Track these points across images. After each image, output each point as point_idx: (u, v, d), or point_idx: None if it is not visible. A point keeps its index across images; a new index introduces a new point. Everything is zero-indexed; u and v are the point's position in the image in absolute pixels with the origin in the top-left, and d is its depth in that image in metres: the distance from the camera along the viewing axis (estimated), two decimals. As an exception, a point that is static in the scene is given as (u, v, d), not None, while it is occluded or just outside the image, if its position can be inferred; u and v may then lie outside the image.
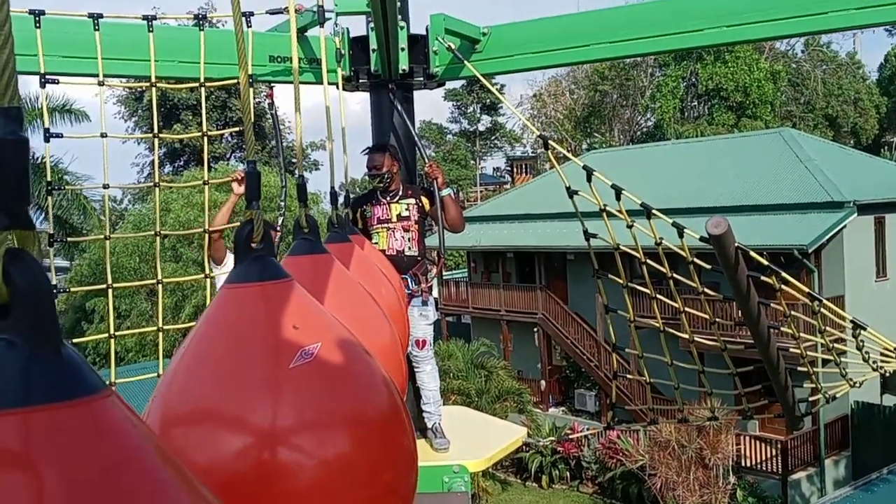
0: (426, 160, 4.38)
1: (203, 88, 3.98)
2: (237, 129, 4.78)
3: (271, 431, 1.27)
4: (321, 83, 4.08)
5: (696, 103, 49.08)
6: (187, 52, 3.99)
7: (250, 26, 4.06)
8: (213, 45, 3.93)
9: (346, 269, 1.92)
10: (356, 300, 1.89)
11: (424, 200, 4.36)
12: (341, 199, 4.40)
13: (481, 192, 62.92)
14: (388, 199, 4.36)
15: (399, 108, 4.33)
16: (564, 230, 25.10)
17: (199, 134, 4.14)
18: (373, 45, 4.16)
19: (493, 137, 66.57)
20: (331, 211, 2.46)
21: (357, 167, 4.33)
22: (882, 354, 3.59)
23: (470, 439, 4.37)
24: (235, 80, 3.91)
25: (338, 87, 3.89)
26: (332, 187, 2.79)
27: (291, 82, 4.22)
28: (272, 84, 4.40)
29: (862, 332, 3.08)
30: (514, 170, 64.19)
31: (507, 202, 33.30)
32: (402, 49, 4.18)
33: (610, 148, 44.23)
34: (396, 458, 1.42)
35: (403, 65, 4.20)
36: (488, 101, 60.24)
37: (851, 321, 3.09)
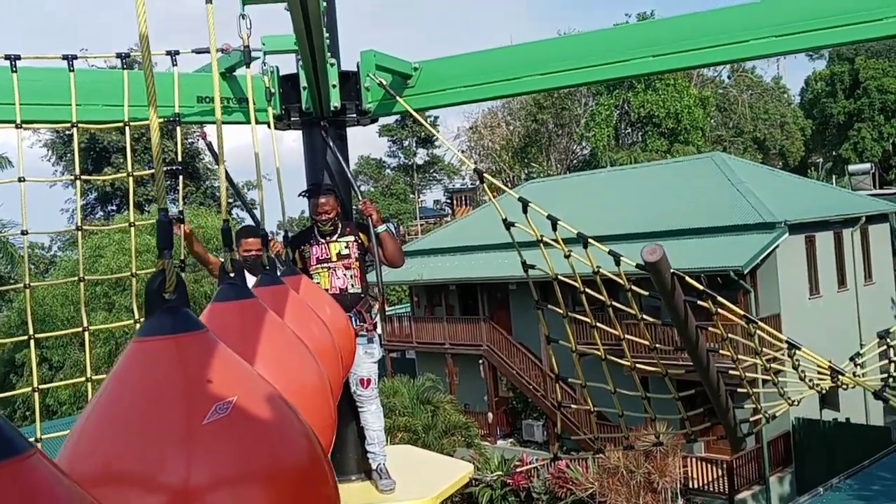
0: (360, 197, 4.34)
1: (129, 129, 3.88)
2: (167, 168, 4.67)
3: (183, 491, 1.20)
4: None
5: (629, 130, 50.20)
6: (111, 93, 3.89)
7: (176, 65, 3.98)
8: (137, 86, 3.84)
9: (273, 314, 1.86)
10: (283, 343, 1.83)
11: (362, 236, 4.31)
12: (279, 239, 4.33)
13: (422, 225, 63.06)
14: (327, 238, 4.30)
15: (332, 145, 4.28)
16: (506, 261, 25.23)
17: (125, 175, 4.02)
18: (303, 82, 4.12)
19: (431, 170, 66.96)
20: (252, 252, 2.40)
21: (293, 206, 4.27)
22: (818, 373, 3.64)
23: (416, 478, 4.29)
24: (162, 119, 3.83)
25: (269, 126, 3.84)
26: (263, 229, 2.72)
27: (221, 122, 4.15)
28: (203, 125, 4.33)
29: (797, 351, 3.11)
30: (454, 202, 64.60)
31: (448, 235, 33.39)
32: (334, 86, 4.15)
33: (548, 177, 44.81)
34: None
35: (335, 102, 4.16)
36: (423, 134, 60.65)
37: (787, 342, 3.13)
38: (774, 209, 23.01)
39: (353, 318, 4.25)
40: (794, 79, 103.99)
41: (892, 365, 3.70)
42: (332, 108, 4.14)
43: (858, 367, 3.73)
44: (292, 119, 4.35)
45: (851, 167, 49.71)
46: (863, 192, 37.38)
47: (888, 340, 3.72)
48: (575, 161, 56.34)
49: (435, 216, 69.58)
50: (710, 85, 54.48)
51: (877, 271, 27.69)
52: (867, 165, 49.52)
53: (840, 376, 3.26)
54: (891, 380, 3.60)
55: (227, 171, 4.41)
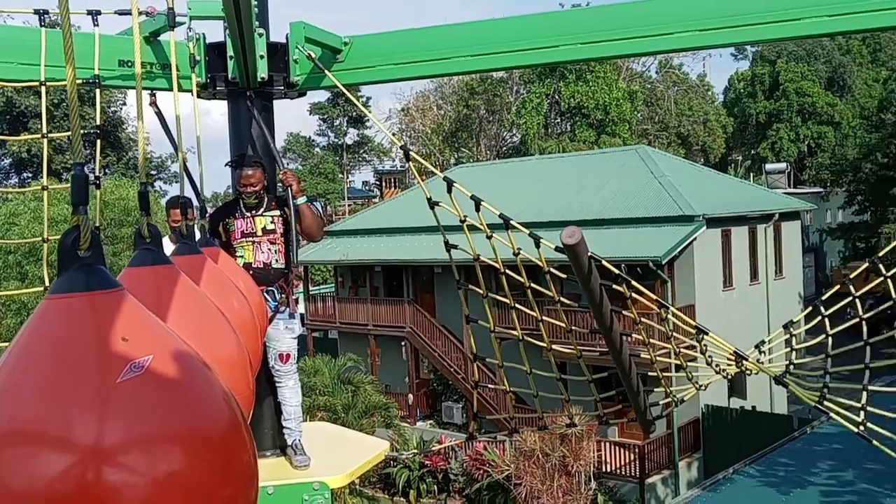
0: (282, 167, 4.29)
1: (45, 90, 3.75)
2: (85, 131, 4.53)
3: (96, 450, 1.18)
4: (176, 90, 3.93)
5: (559, 120, 50.78)
6: (27, 52, 3.75)
7: (97, 25, 3.85)
8: (56, 45, 3.71)
9: (190, 281, 1.83)
10: (200, 312, 1.80)
11: (287, 211, 4.27)
12: (197, 210, 4.25)
13: (349, 205, 62.64)
14: (252, 212, 4.23)
15: (257, 116, 4.22)
16: (432, 243, 25.32)
17: (39, 136, 3.89)
18: (230, 51, 4.04)
19: (361, 151, 66.54)
20: (181, 222, 2.36)
21: (216, 177, 4.19)
22: (725, 359, 3.77)
23: (331, 455, 4.29)
24: (81, 81, 3.71)
25: (192, 94, 3.76)
26: (185, 198, 2.67)
27: (142, 87, 4.04)
28: (153, 92, 4.20)
29: (705, 336, 3.23)
30: (383, 184, 64.34)
31: (376, 216, 33.27)
32: (261, 57, 4.08)
33: (477, 162, 45.00)
34: (235, 473, 1.35)
35: (262, 73, 4.09)
36: (355, 113, 60.20)
37: (695, 327, 3.24)
38: (694, 203, 23.66)
39: (275, 292, 4.22)
40: (718, 78, 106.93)
41: (794, 353, 3.85)
42: (259, 79, 4.07)
43: (763, 354, 3.88)
44: (218, 88, 4.26)
45: (768, 166, 51.49)
46: (778, 190, 38.77)
47: (791, 330, 3.87)
48: (505, 148, 56.76)
49: (363, 197, 69.19)
50: (639, 79, 55.50)
51: (787, 266, 28.79)
52: (783, 165, 51.39)
53: (744, 362, 3.40)
54: (791, 367, 3.76)
55: (172, 138, 4.30)
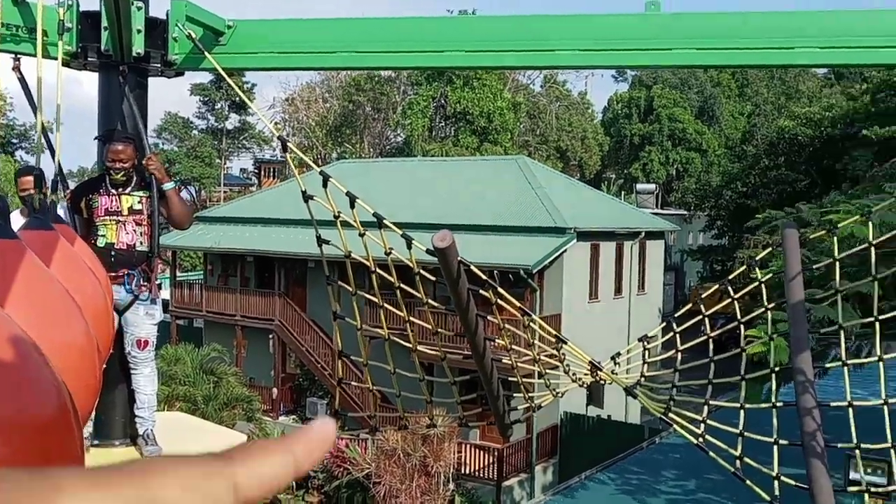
0: (147, 152, 4.14)
1: None
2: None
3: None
4: (43, 56, 3.72)
5: (443, 124, 51.23)
6: None
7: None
8: None
9: (38, 260, 1.73)
10: (47, 293, 1.71)
11: (152, 191, 4.12)
12: (52, 184, 4.03)
13: (225, 192, 61.05)
14: (119, 189, 4.06)
15: (128, 93, 4.05)
16: (307, 237, 24.83)
17: None
18: (104, 22, 3.87)
19: (241, 137, 64.93)
20: (34, 195, 2.22)
21: (85, 152, 3.98)
22: (584, 369, 3.91)
23: (184, 446, 4.17)
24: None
25: (58, 62, 3.57)
26: (39, 169, 2.53)
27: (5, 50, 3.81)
28: (17, 56, 3.94)
29: (564, 346, 3.34)
30: (262, 172, 63.07)
31: (252, 205, 32.56)
32: (139, 31, 3.92)
33: (360, 159, 44.81)
34: (57, 464, 1.28)
35: (138, 48, 3.94)
36: (237, 98, 58.67)
37: (556, 336, 3.34)
38: (567, 216, 24.39)
39: (137, 276, 4.06)
40: (599, 97, 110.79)
41: (646, 366, 4.04)
42: (134, 54, 3.92)
43: (618, 365, 4.05)
44: (89, 59, 4.06)
45: (639, 186, 53.75)
46: (646, 209, 40.51)
47: (646, 344, 4.06)
48: (388, 147, 56.76)
49: (240, 184, 67.60)
50: (523, 91, 56.76)
51: (649, 283, 30.13)
52: (652, 186, 53.77)
53: (599, 372, 3.53)
54: (643, 379, 3.94)
55: (33, 104, 4.05)
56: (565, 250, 23.53)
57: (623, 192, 54.61)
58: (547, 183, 27.63)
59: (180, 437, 4.28)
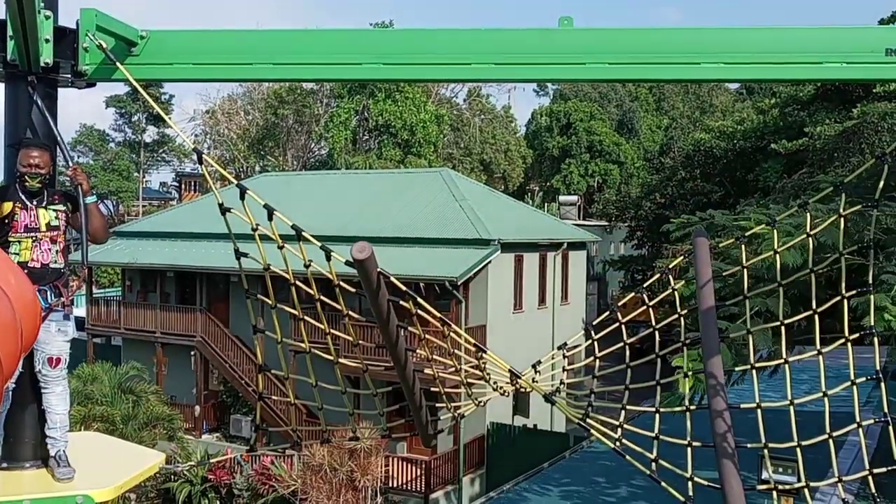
0: (69, 163, 4.01)
1: None
2: None
3: None
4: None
5: (367, 137, 51.15)
6: None
7: None
8: None
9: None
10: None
11: (70, 206, 3.99)
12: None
13: (144, 206, 59.58)
14: (36, 203, 3.91)
15: (40, 103, 3.93)
16: (229, 251, 24.35)
17: None
18: (9, 30, 3.75)
19: (160, 150, 63.52)
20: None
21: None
22: (504, 378, 3.96)
23: (99, 467, 4.04)
24: None
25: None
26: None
27: None
28: None
29: (483, 355, 3.38)
30: (183, 186, 61.78)
31: (171, 219, 31.85)
32: (47, 40, 3.81)
33: (283, 172, 44.33)
34: None
35: (47, 58, 3.82)
36: (155, 110, 57.41)
37: (475, 345, 3.38)
38: (491, 227, 24.63)
39: (48, 293, 3.93)
40: (523, 111, 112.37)
41: (566, 374, 4.12)
42: (42, 64, 3.80)
43: (538, 373, 4.11)
44: (-6, 69, 3.93)
45: (561, 198, 54.65)
46: (569, 221, 41.22)
47: (564, 352, 4.14)
48: (312, 160, 56.35)
49: (160, 198, 66.08)
50: (447, 104, 57.13)
51: (572, 293, 30.62)
52: (574, 197, 54.75)
53: (518, 380, 3.58)
54: (563, 386, 4.01)
55: None
56: (489, 262, 23.73)
57: (546, 204, 55.46)
58: (471, 195, 27.85)
59: (95, 458, 4.15)
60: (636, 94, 64.69)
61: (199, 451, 23.84)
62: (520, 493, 17.16)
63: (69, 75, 4.03)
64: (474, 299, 24.03)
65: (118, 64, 3.75)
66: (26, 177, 3.86)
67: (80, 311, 25.72)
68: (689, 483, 3.09)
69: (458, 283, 22.57)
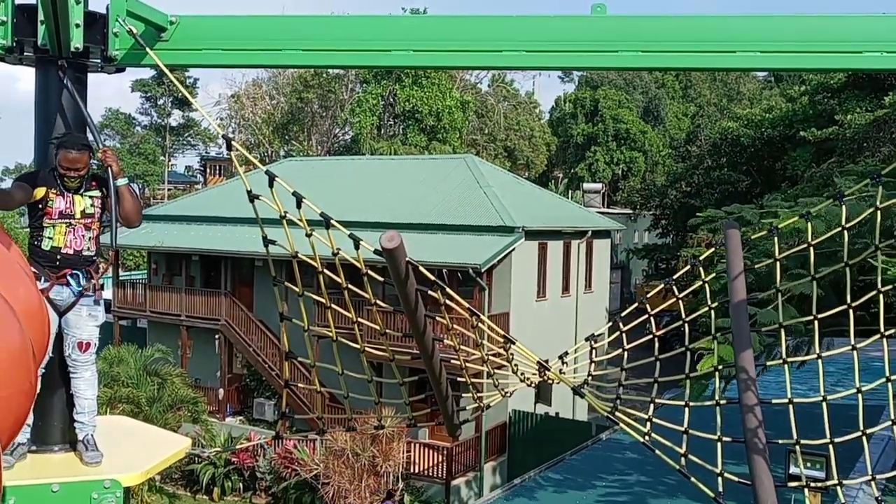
0: (100, 146, 4.02)
1: None
2: None
3: None
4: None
5: (392, 122, 51.10)
6: None
7: None
8: None
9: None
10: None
11: (104, 191, 3.99)
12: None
13: (170, 190, 60.01)
14: (73, 190, 3.91)
15: (71, 88, 3.93)
16: (254, 236, 24.53)
17: None
18: (41, 16, 3.75)
19: (186, 134, 63.87)
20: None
21: (22, 147, 3.84)
22: (532, 368, 3.93)
23: (126, 451, 4.07)
24: None
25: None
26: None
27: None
28: None
29: (512, 346, 3.35)
30: (208, 170, 62.15)
31: (197, 203, 32.05)
32: (77, 25, 3.80)
33: (308, 157, 44.44)
34: None
35: (77, 43, 3.82)
36: (181, 94, 57.71)
37: (503, 336, 3.35)
38: (515, 215, 24.53)
39: (80, 277, 3.94)
40: (546, 97, 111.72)
41: (594, 365, 4.08)
42: (72, 49, 3.80)
43: (565, 364, 4.08)
44: (25, 54, 3.94)
45: (585, 185, 54.37)
46: (592, 209, 41.01)
47: (593, 343, 4.10)
48: (336, 145, 56.41)
49: (185, 182, 66.52)
50: (472, 90, 56.91)
51: (596, 282, 30.48)
52: (598, 185, 54.45)
53: (547, 372, 3.55)
54: (590, 378, 3.98)
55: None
56: (513, 249, 23.66)
57: (570, 191, 55.19)
58: (495, 182, 27.75)
59: (122, 442, 4.18)
60: (662, 81, 64.07)
61: (222, 433, 24.09)
62: (541, 481, 17.16)
63: (99, 60, 4.03)
64: (497, 287, 23.99)
65: (148, 49, 3.74)
66: (65, 178, 3.86)
67: (106, 293, 25.94)
68: (719, 479, 3.05)
69: (482, 271, 22.53)
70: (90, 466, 3.79)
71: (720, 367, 3.47)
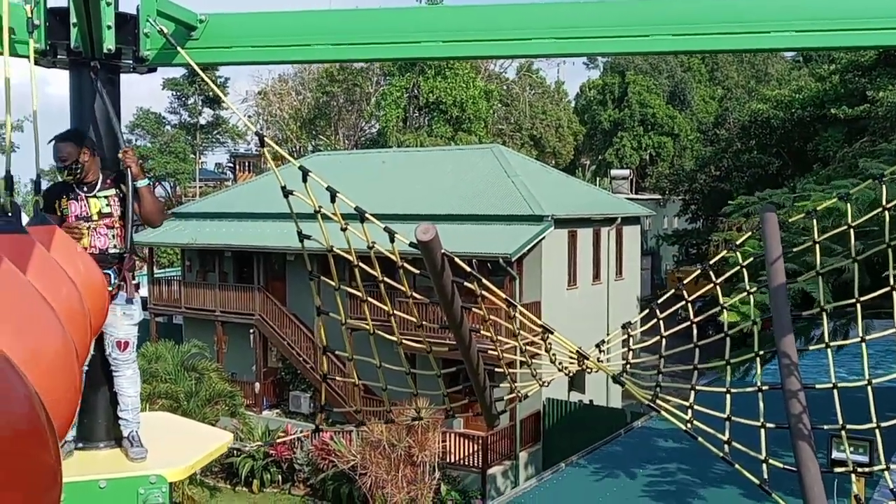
0: (122, 146, 4.06)
1: None
2: None
3: None
4: (10, 55, 3.64)
5: (417, 114, 51.08)
6: None
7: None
8: None
9: (12, 266, 1.69)
10: (21, 301, 1.66)
11: (123, 188, 4.04)
12: (28, 187, 3.96)
13: (200, 187, 60.53)
14: (86, 191, 3.97)
15: (101, 89, 3.97)
16: (285, 230, 24.89)
17: None
18: (73, 18, 3.79)
19: (215, 132, 64.31)
20: (3, 197, 2.16)
21: (47, 151, 3.88)
22: (568, 357, 3.92)
23: (170, 447, 4.13)
24: None
25: (29, 61, 3.49)
26: (7, 170, 2.46)
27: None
28: None
29: (550, 336, 3.33)
30: (237, 167, 62.62)
31: (228, 199, 32.32)
32: (109, 27, 3.84)
33: (335, 151, 44.60)
34: (30, 476, 1.26)
35: (109, 44, 3.86)
36: (210, 93, 58.14)
37: (541, 326, 3.34)
38: (544, 203, 24.44)
39: (111, 276, 3.99)
40: (571, 84, 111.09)
41: (631, 353, 4.05)
42: (104, 51, 3.84)
43: (602, 353, 4.06)
44: (59, 57, 3.99)
45: (613, 172, 53.99)
46: (621, 195, 40.72)
47: (629, 331, 4.07)
48: (363, 138, 56.53)
49: (216, 179, 67.07)
50: (496, 80, 56.68)
51: (626, 269, 30.29)
52: (627, 171, 54.02)
53: (586, 361, 3.53)
54: (628, 366, 3.95)
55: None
56: (543, 238, 23.58)
57: (598, 178, 54.82)
58: (523, 171, 27.66)
59: (166, 438, 4.24)
60: (688, 65, 63.32)
61: (260, 426, 24.34)
62: (576, 469, 17.12)
63: (130, 61, 4.07)
64: (528, 276, 23.93)
65: (179, 48, 3.76)
66: (59, 171, 3.93)
67: (142, 290, 26.27)
68: (764, 466, 3.01)
69: (513, 260, 22.49)
70: (135, 462, 3.85)
71: (761, 352, 3.43)
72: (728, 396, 3.27)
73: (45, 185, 3.97)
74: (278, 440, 22.09)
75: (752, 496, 12.12)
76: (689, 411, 3.20)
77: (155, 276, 31.90)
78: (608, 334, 4.15)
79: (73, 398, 1.88)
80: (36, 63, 3.89)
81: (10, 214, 2.13)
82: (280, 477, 23.62)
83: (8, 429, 1.18)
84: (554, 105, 59.38)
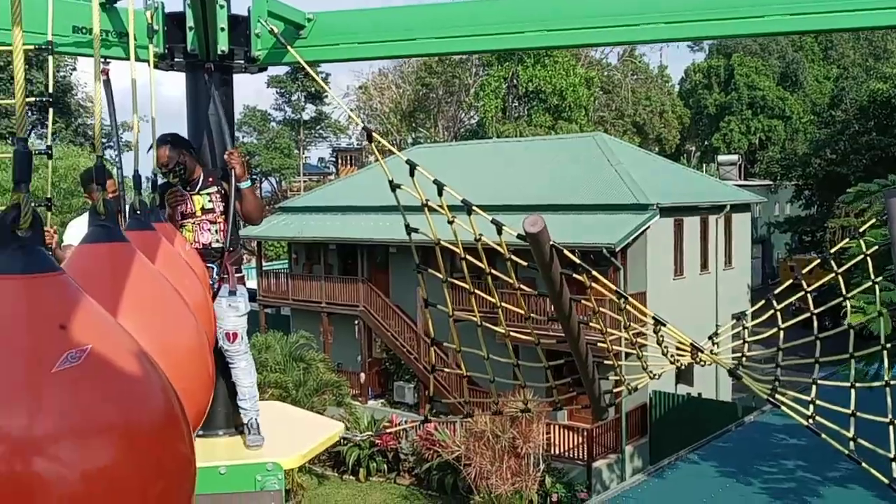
0: (230, 147, 4.19)
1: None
2: (35, 99, 4.36)
3: (26, 441, 1.14)
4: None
5: (516, 104, 50.83)
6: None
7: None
8: (5, 5, 3.57)
9: (147, 261, 1.77)
10: (158, 294, 1.74)
11: (226, 186, 4.17)
12: (146, 184, 4.14)
13: (305, 182, 62.04)
14: (189, 190, 4.13)
15: (213, 89, 4.12)
16: (388, 223, 25.24)
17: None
18: (189, 22, 3.94)
19: (318, 127, 65.77)
20: (133, 196, 2.27)
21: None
22: (677, 349, 3.82)
23: (285, 435, 4.25)
24: (33, 47, 3.58)
25: (149, 65, 3.65)
26: (136, 170, 2.58)
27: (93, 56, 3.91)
28: (107, 60, 4.04)
29: (662, 328, 3.26)
30: (340, 161, 63.82)
31: (332, 193, 33.01)
32: (222, 29, 3.98)
33: (435, 143, 44.89)
34: (169, 467, 1.32)
35: (223, 46, 3.99)
36: (313, 89, 59.46)
37: (653, 318, 3.26)
38: (648, 192, 23.91)
39: (214, 270, 4.13)
40: (675, 68, 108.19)
41: (746, 345, 3.92)
42: (218, 52, 3.98)
43: (716, 345, 3.94)
44: (176, 60, 4.16)
45: (720, 157, 52.29)
46: (729, 181, 39.39)
47: (742, 322, 3.94)
48: (462, 130, 56.68)
49: (319, 173, 68.57)
50: (597, 66, 55.77)
51: (736, 257, 29.30)
52: (734, 157, 52.22)
53: (700, 353, 3.44)
54: (743, 359, 3.82)
55: (113, 112, 4.17)
56: (648, 227, 23.08)
57: (704, 164, 53.25)
58: (626, 159, 27.13)
59: (281, 427, 4.37)
60: (800, 45, 60.62)
61: (365, 416, 24.82)
62: (686, 464, 16.72)
63: (243, 61, 4.20)
64: (633, 266, 23.48)
65: (289, 47, 3.86)
66: (166, 176, 4.08)
67: (251, 283, 27.14)
68: (894, 465, 2.86)
69: (617, 250, 22.11)
70: (253, 450, 3.98)
71: (888, 345, 3.25)
72: (853, 391, 3.12)
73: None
74: (386, 430, 22.45)
75: (884, 497, 11.50)
76: (811, 406, 3.07)
77: (263, 268, 32.93)
78: (717, 325, 4.03)
79: (207, 388, 1.96)
80: (155, 67, 4.06)
81: (138, 212, 2.24)
82: (385, 466, 24.02)
83: (150, 422, 1.24)
84: (657, 90, 57.98)
